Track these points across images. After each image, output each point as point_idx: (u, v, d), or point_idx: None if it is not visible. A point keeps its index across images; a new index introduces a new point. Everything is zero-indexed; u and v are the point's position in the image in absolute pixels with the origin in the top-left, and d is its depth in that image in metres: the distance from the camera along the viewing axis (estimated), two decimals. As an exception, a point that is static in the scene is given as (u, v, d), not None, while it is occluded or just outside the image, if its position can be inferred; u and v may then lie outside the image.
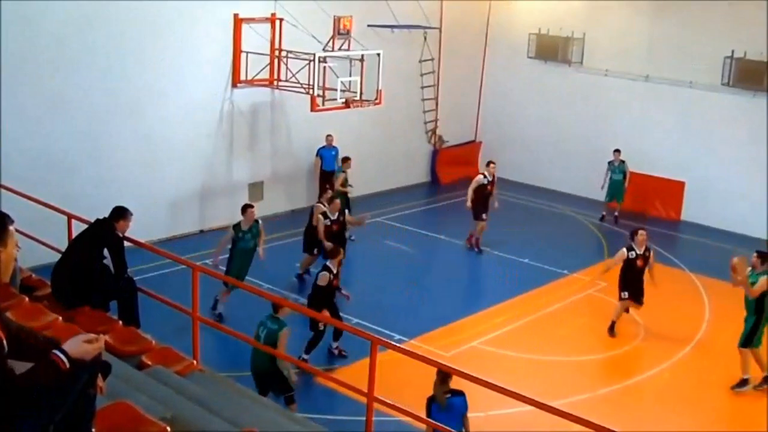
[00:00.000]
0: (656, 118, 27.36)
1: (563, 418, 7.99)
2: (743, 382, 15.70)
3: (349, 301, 16.73)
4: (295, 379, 12.73)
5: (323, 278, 15.52)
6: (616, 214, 26.20)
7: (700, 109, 26.41)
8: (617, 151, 25.82)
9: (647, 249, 17.95)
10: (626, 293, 17.88)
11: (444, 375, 10.90)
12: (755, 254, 15.80)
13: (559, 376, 16.37)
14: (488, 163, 23.14)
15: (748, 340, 15.63)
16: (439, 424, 9.81)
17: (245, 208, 17.49)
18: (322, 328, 15.50)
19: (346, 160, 23.40)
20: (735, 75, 25.39)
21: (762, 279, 15.35)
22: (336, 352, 16.32)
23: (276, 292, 17.46)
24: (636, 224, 21.14)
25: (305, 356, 15.57)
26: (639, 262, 17.78)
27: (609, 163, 25.97)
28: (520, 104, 30.39)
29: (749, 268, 15.52)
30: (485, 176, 22.76)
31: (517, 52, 29.94)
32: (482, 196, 22.66)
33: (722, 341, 18.01)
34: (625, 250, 17.87)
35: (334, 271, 15.66)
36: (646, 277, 18.01)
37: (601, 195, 27.32)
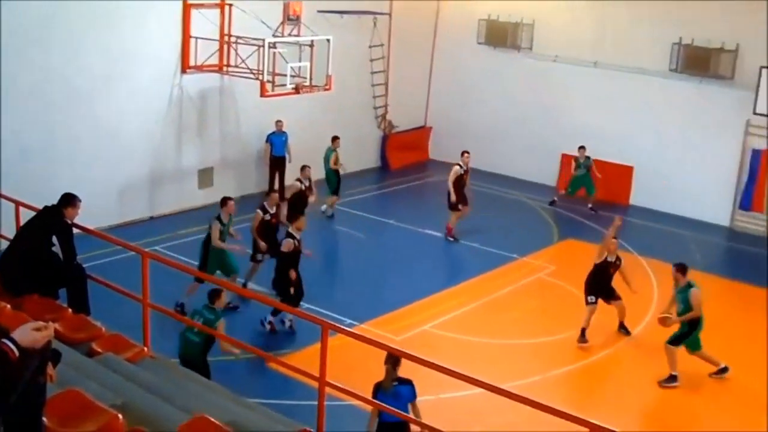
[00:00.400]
0: (605, 104, 27.55)
1: (514, 401, 8.05)
2: (672, 378, 15.71)
3: (311, 257, 17.42)
4: (238, 351, 12.85)
5: (287, 245, 16.30)
6: (590, 206, 26.03)
7: (648, 94, 26.65)
8: (582, 147, 25.79)
9: (618, 258, 17.54)
10: (593, 297, 17.31)
11: (394, 361, 10.92)
12: (674, 268, 15.97)
13: (510, 359, 16.49)
14: (463, 153, 23.07)
15: (677, 341, 15.74)
16: (384, 405, 9.90)
17: (225, 201, 17.53)
18: (292, 293, 16.29)
19: (335, 138, 24.23)
20: (683, 61, 25.62)
21: (693, 292, 15.52)
22: (288, 324, 16.89)
23: (227, 278, 17.40)
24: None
25: (271, 318, 16.63)
26: (611, 270, 17.50)
27: (575, 159, 25.98)
28: (470, 90, 30.45)
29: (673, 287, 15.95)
30: (461, 166, 22.78)
31: (467, 38, 29.98)
32: (459, 186, 22.71)
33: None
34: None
35: (298, 237, 16.43)
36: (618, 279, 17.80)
37: (550, 179, 27.67)
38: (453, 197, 22.63)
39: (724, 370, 16.03)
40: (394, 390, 10.85)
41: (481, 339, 17.16)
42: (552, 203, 26.74)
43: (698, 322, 15.70)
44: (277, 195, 19.31)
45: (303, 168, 21.27)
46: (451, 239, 22.73)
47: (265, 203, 18.79)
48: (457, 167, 22.76)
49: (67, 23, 20.11)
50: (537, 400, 7.90)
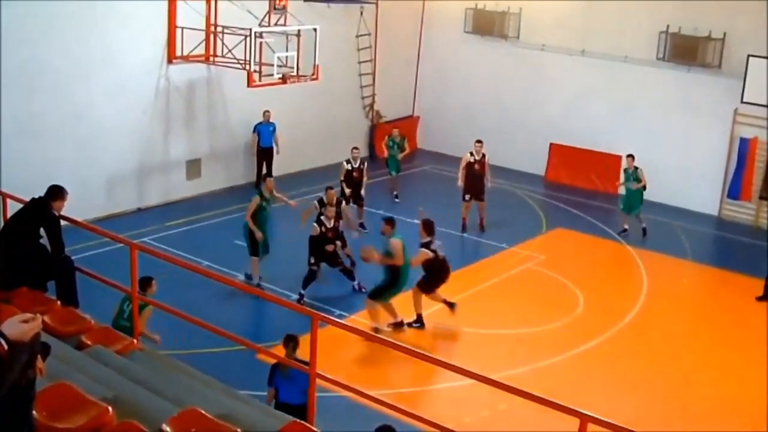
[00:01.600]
0: (592, 92, 27.54)
1: (503, 391, 8.05)
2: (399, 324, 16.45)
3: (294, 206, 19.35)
4: (158, 338, 12.93)
5: (314, 230, 17.81)
6: (644, 226, 23.24)
7: (635, 83, 26.65)
8: (630, 156, 23.44)
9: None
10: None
11: (294, 344, 11.02)
12: (383, 222, 16.81)
13: (499, 349, 16.48)
14: (475, 142, 22.92)
15: (377, 294, 16.44)
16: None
17: (265, 178, 19.96)
18: (315, 268, 17.79)
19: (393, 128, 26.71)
20: (670, 50, 25.62)
21: (393, 240, 16.39)
22: (357, 287, 18.26)
23: (216, 270, 17.38)
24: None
25: (302, 291, 17.56)
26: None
27: (624, 170, 24.10)
28: (457, 79, 30.42)
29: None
30: (472, 154, 22.70)
31: (454, 26, 29.95)
32: (470, 175, 22.62)
33: (660, 312, 18.33)
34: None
35: (328, 225, 17.88)
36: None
37: (539, 169, 27.70)
38: (459, 182, 22.66)
39: (400, 324, 16.52)
40: (290, 372, 10.75)
41: (471, 329, 17.14)
42: (623, 231, 23.47)
43: (399, 278, 16.31)
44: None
45: (352, 149, 22.50)
46: (462, 231, 22.74)
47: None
48: (468, 155, 22.72)
49: (53, 13, 19.97)
50: (527, 391, 7.90)
